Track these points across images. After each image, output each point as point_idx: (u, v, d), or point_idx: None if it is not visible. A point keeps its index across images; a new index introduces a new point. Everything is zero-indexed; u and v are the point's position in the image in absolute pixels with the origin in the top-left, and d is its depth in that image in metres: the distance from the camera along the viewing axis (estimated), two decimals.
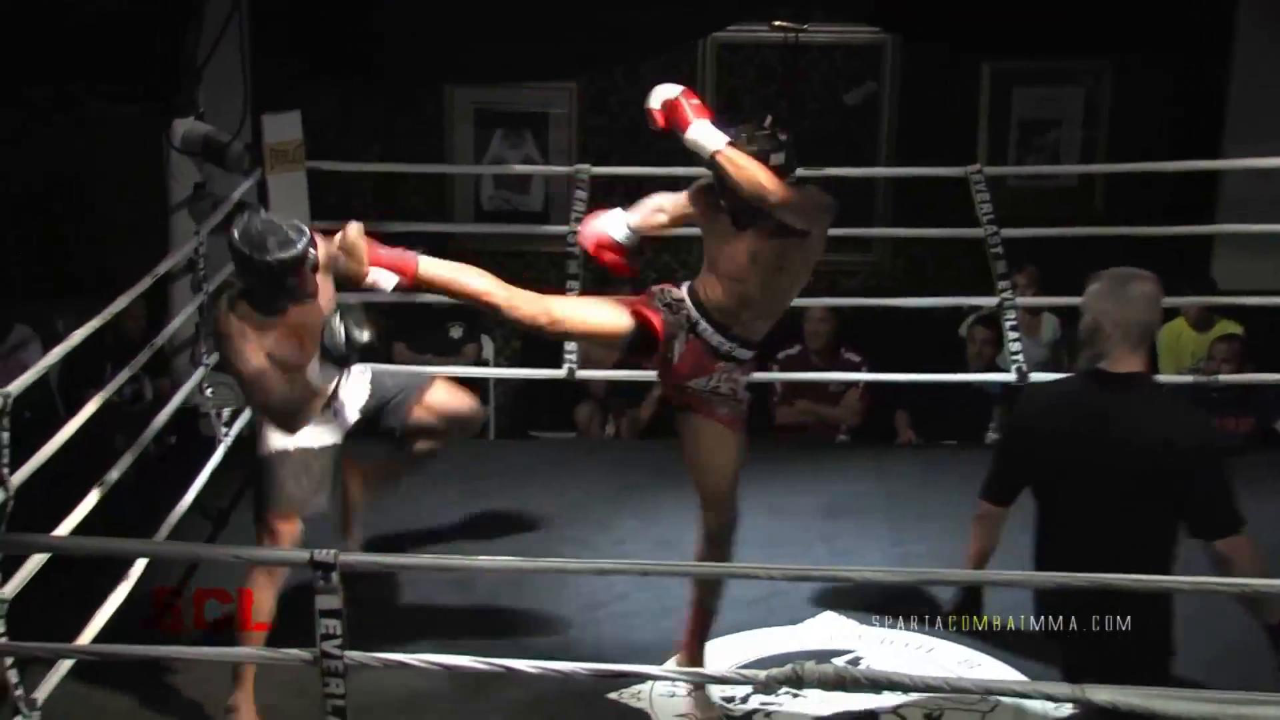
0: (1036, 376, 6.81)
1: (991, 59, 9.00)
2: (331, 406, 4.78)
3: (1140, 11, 8.25)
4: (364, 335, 4.58)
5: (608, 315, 4.58)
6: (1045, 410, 4.04)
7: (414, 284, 4.44)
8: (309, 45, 7.70)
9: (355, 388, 4.88)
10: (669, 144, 9.47)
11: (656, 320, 4.52)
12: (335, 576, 3.51)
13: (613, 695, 4.80)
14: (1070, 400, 3.96)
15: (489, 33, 8.24)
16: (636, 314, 4.55)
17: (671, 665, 4.76)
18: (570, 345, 6.56)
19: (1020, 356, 6.62)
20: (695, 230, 4.68)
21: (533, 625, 5.18)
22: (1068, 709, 4.61)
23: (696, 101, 4.45)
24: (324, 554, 3.50)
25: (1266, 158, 7.06)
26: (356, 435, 4.91)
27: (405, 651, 3.81)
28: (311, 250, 4.51)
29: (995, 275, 6.62)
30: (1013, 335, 6.61)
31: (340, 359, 4.63)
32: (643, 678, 4.69)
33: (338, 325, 4.57)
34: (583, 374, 6.73)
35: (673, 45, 8.92)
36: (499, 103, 9.04)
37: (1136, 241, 7.31)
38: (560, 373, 6.62)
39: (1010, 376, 6.64)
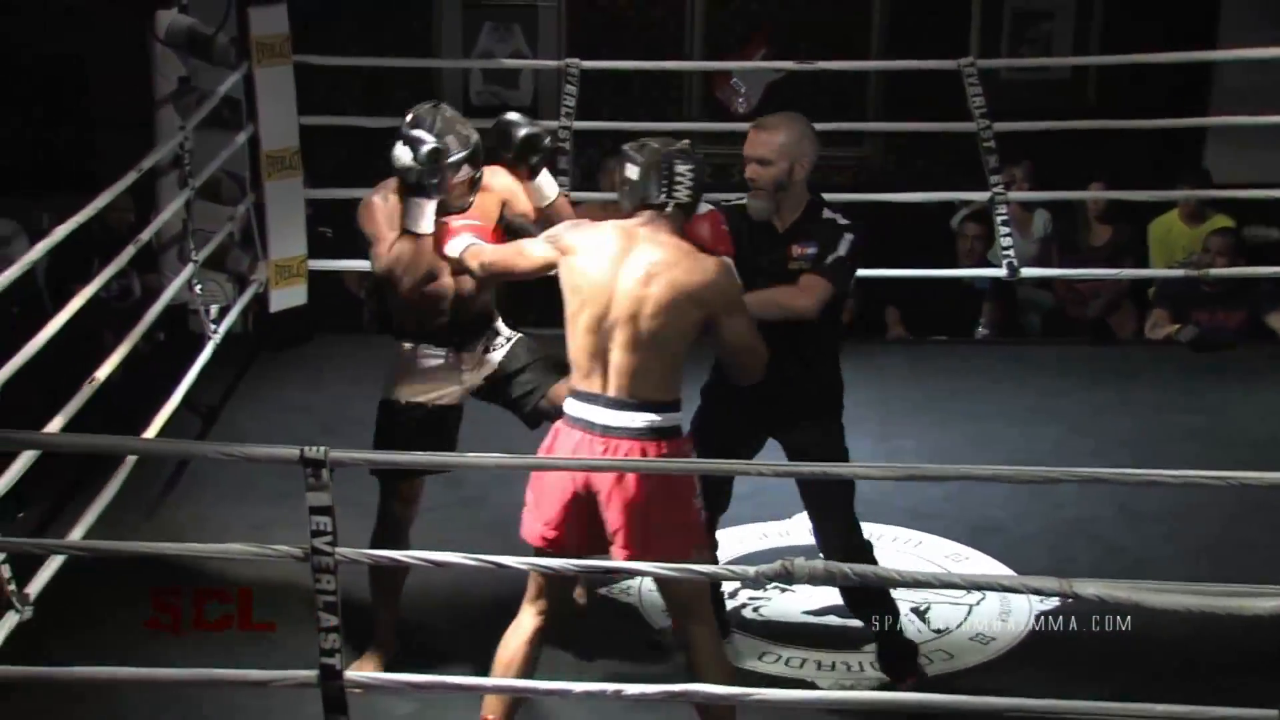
0: (1027, 272, 6.81)
1: None
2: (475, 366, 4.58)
3: None
4: None
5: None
6: None
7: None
8: None
9: (498, 354, 4.62)
10: (657, 36, 9.40)
11: None
12: (326, 473, 3.50)
13: (603, 590, 4.83)
14: None
15: None
16: None
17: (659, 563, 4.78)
18: None
19: (1011, 252, 6.60)
20: None
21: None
22: (1053, 602, 4.66)
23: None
24: (314, 451, 3.50)
25: (1260, 48, 7.00)
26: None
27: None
28: (461, 161, 4.33)
29: (987, 170, 6.58)
30: (1004, 231, 6.59)
31: None
32: (633, 573, 4.72)
33: None
34: None
35: None
36: None
37: (1129, 135, 7.28)
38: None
39: (1001, 272, 6.63)
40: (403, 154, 4.31)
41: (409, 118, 4.35)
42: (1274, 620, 3.71)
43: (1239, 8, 8.33)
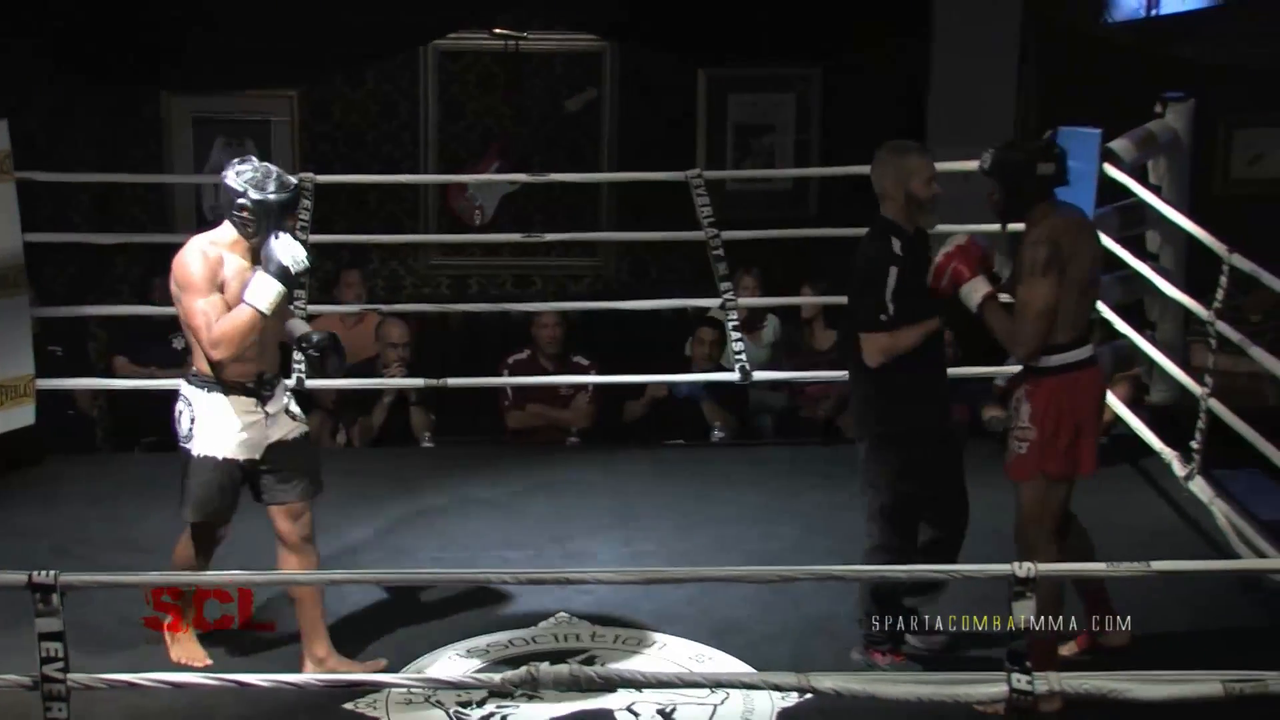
0: (759, 375, 7.00)
1: (707, 66, 9.19)
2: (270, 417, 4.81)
3: (845, 20, 8.54)
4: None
5: None
6: None
7: None
8: (19, 48, 7.46)
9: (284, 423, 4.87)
10: (392, 149, 9.41)
11: None
12: (56, 598, 3.42)
13: (349, 705, 4.77)
14: None
15: (207, 38, 8.10)
16: None
17: (405, 674, 4.75)
18: (298, 355, 6.49)
19: (743, 356, 6.78)
20: None
21: (264, 639, 5.11)
22: (794, 698, 4.77)
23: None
24: (43, 575, 3.41)
25: (957, 161, 7.33)
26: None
27: (132, 671, 3.75)
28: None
29: (717, 277, 6.76)
30: (735, 336, 6.78)
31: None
32: (378, 686, 4.68)
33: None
34: (311, 383, 6.67)
35: (393, 52, 8.90)
36: (219, 110, 8.86)
37: (849, 242, 7.54)
38: (289, 382, 6.53)
39: (734, 376, 6.81)
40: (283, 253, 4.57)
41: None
42: (995, 704, 3.90)
43: (942, 121, 8.69)
